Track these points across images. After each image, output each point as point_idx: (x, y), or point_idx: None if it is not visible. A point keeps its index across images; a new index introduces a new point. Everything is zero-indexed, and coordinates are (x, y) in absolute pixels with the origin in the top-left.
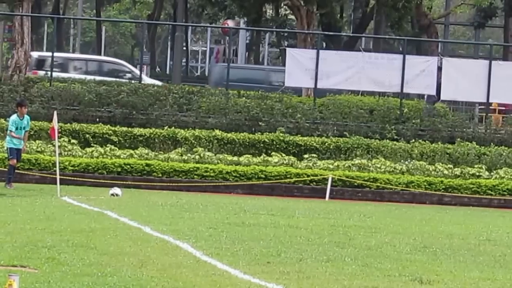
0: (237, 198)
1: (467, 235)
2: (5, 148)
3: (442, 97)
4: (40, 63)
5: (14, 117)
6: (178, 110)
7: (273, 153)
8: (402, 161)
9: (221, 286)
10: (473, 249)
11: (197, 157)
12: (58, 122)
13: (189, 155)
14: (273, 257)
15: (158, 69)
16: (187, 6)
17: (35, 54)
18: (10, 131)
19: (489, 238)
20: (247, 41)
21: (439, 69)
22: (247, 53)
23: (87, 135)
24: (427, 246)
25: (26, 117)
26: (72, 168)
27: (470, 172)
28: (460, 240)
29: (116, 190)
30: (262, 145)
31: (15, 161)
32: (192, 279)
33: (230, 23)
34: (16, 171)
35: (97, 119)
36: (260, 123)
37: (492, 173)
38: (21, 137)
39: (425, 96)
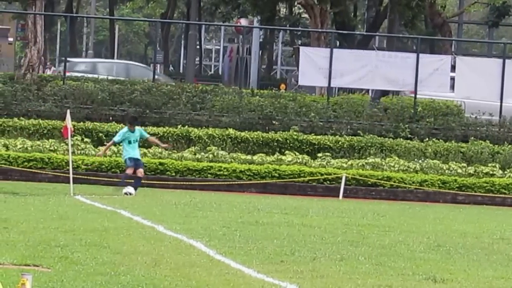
0: (251, 197)
1: (481, 234)
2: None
3: (455, 96)
4: None
5: (124, 129)
6: (192, 109)
7: (286, 152)
8: (415, 160)
9: (235, 285)
10: (486, 248)
11: (210, 156)
12: (71, 120)
13: (202, 154)
14: (286, 256)
15: (172, 68)
16: (200, 4)
17: None
18: (113, 141)
19: (503, 237)
20: (261, 40)
21: (453, 67)
22: (260, 52)
23: (100, 134)
24: (441, 245)
25: (137, 129)
26: (85, 167)
27: (484, 171)
28: (473, 239)
29: (130, 189)
30: (275, 144)
31: (131, 170)
32: (206, 278)
33: (244, 22)
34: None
35: (110, 118)
36: (273, 122)
37: (506, 172)
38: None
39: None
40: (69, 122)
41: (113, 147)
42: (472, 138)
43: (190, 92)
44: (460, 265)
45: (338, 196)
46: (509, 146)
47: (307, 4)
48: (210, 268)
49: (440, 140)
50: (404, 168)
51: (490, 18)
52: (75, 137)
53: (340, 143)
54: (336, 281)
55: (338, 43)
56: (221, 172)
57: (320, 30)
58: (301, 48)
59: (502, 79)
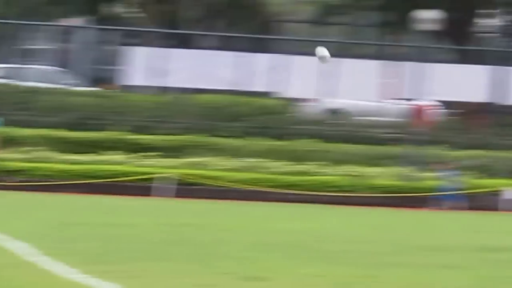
0: (72, 197)
1: (305, 232)
2: None
3: (289, 95)
4: None
5: None
6: (16, 109)
7: (112, 151)
8: (243, 158)
9: (54, 286)
10: (310, 245)
11: (33, 156)
12: None
13: (26, 154)
14: (105, 256)
15: None
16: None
17: None
18: None
19: (325, 235)
20: (89, 39)
21: (285, 67)
22: (89, 51)
23: None
24: (263, 243)
25: None
26: None
27: (314, 169)
28: (296, 237)
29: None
30: (102, 143)
31: None
32: (23, 279)
33: (70, 22)
34: None
35: None
36: (99, 122)
37: (336, 170)
38: None
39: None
40: None
41: None
42: (302, 136)
43: (13, 92)
44: (281, 263)
45: (162, 196)
46: (340, 144)
47: (139, 3)
48: (27, 269)
49: (268, 138)
50: (231, 167)
51: (319, 17)
52: None
53: (165, 142)
54: (155, 281)
55: (169, 42)
56: (44, 172)
57: (150, 29)
58: (132, 47)
59: (329, 78)
